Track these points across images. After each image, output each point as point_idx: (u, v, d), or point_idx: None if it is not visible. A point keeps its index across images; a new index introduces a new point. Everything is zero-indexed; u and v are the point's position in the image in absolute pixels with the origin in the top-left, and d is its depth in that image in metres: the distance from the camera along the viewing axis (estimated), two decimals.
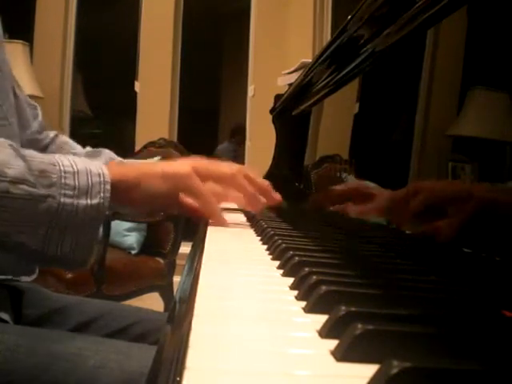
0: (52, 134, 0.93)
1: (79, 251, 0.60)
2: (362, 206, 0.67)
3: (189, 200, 0.70)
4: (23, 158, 0.57)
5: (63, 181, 0.58)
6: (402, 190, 0.54)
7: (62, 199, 0.58)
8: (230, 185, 0.75)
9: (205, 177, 0.71)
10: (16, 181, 0.55)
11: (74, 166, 0.60)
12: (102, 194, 0.60)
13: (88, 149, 0.94)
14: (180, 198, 0.69)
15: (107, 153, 0.91)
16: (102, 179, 0.60)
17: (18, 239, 0.57)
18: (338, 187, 0.80)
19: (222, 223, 0.74)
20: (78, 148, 0.94)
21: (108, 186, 0.61)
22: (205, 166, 0.73)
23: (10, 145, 0.59)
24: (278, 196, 0.81)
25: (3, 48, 0.79)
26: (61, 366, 0.61)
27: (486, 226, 0.38)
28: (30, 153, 0.60)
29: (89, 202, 0.59)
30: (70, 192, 0.58)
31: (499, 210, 0.37)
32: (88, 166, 0.61)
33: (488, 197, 0.39)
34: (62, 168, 0.59)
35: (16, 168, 0.56)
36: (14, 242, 0.57)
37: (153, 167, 0.70)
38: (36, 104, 0.92)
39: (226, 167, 0.75)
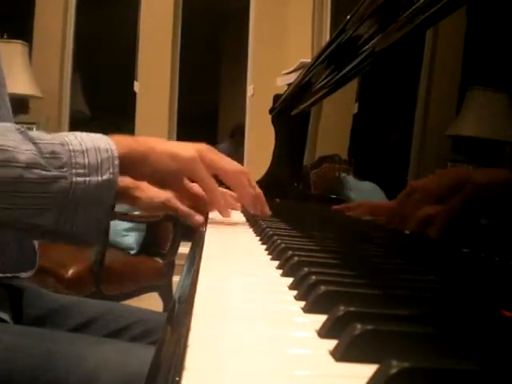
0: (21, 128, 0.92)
1: (92, 228, 0.61)
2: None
3: (193, 185, 0.69)
4: (33, 140, 0.57)
5: (73, 160, 0.59)
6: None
7: (74, 178, 0.58)
8: (232, 181, 0.75)
9: (208, 166, 0.70)
10: (29, 166, 0.56)
11: (83, 144, 0.60)
12: (111, 170, 0.60)
13: None
14: (185, 181, 0.69)
15: None
16: (110, 154, 0.61)
17: (33, 222, 0.57)
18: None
19: (223, 212, 0.74)
20: None
21: (116, 161, 0.61)
22: (210, 156, 0.71)
23: (18, 129, 0.59)
24: (268, 211, 0.81)
25: None
26: (61, 366, 0.61)
27: (485, 217, 0.38)
28: (39, 135, 0.59)
29: (99, 178, 0.59)
30: (81, 171, 0.59)
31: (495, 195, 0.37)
32: (96, 143, 0.61)
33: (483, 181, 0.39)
34: (70, 147, 0.59)
35: (27, 153, 0.56)
36: (28, 225, 0.57)
37: (161, 144, 0.70)
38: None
39: (231, 163, 0.74)
